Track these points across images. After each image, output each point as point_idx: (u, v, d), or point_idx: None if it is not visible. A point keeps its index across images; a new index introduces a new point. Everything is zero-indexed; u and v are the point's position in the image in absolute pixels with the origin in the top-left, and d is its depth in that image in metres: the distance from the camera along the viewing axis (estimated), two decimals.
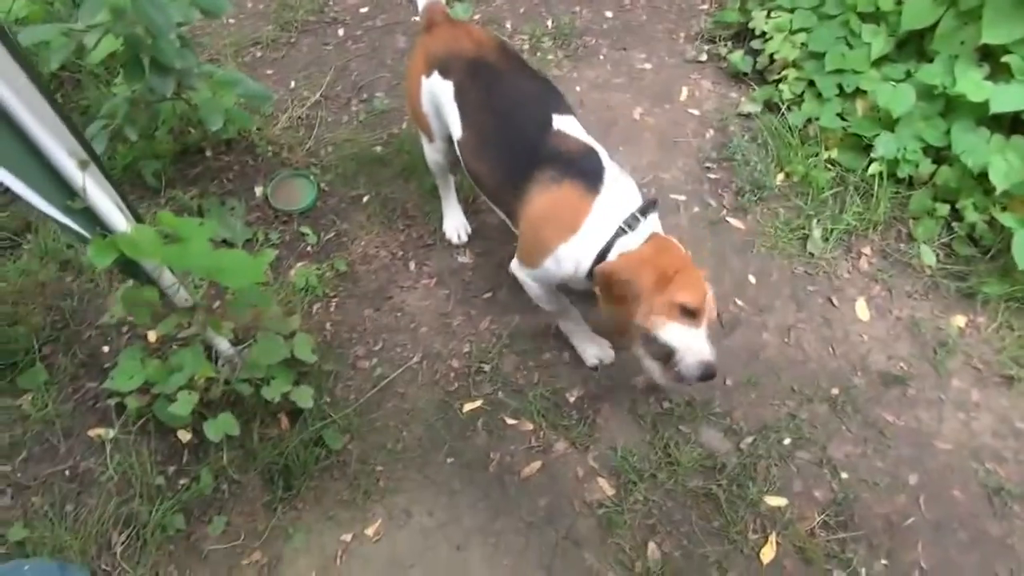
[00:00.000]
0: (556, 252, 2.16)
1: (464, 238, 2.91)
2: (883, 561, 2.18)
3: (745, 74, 3.39)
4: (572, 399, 2.51)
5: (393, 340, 2.69)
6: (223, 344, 2.39)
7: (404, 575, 2.19)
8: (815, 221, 2.86)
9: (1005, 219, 2.58)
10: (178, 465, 2.42)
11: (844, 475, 2.32)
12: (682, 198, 3.02)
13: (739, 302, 2.70)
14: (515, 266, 2.38)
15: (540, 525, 2.27)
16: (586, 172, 2.12)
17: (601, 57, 3.62)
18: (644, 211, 2.11)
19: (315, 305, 2.78)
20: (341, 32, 3.87)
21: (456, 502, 2.33)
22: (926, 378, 2.51)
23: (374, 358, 2.64)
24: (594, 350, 2.55)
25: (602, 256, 2.10)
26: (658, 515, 2.27)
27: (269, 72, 3.68)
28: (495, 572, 2.19)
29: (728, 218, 2.94)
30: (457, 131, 2.35)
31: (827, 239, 2.82)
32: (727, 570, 2.17)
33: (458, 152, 2.41)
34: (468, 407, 2.51)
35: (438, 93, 2.39)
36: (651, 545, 2.22)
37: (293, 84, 3.61)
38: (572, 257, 2.15)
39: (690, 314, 1.99)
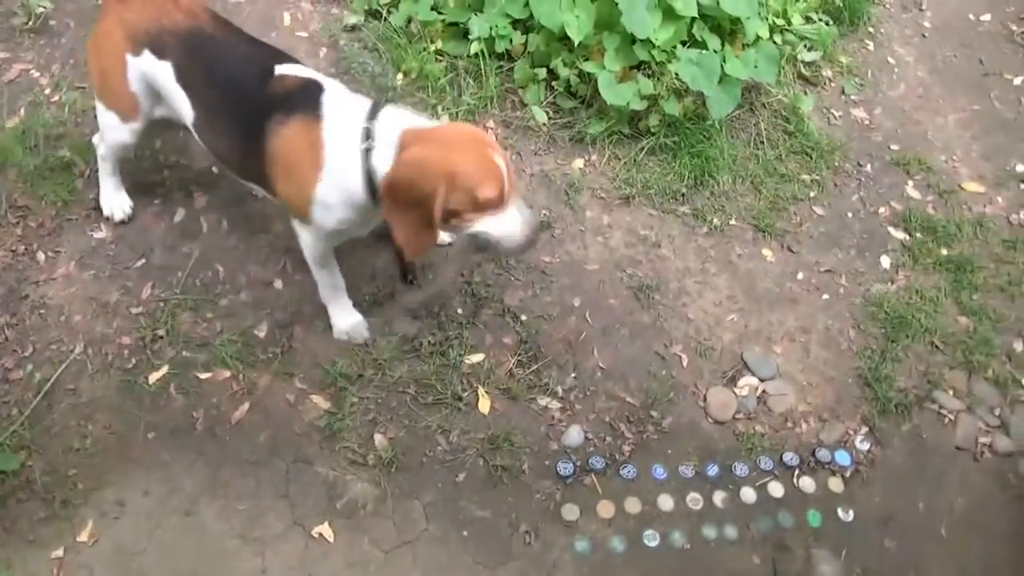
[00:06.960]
0: (316, 197, 2.04)
1: (126, 212, 2.64)
2: (572, 375, 2.51)
3: None
4: (262, 334, 2.47)
5: (45, 339, 2.40)
6: None
7: (137, 562, 2.06)
8: (440, 109, 3.05)
9: (588, 67, 2.98)
10: None
11: (523, 317, 2.60)
12: None
13: None
14: (296, 227, 2.25)
15: (266, 460, 2.25)
16: (306, 103, 2.03)
17: None
18: (372, 116, 2.00)
19: None
20: None
21: (171, 473, 2.21)
22: (566, 217, 2.87)
23: (28, 364, 2.35)
24: (347, 326, 2.45)
25: (371, 179, 1.97)
26: (376, 408, 2.37)
27: None
28: (234, 519, 2.14)
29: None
30: (188, 115, 2.20)
31: None
32: (450, 431, 2.35)
33: (195, 136, 2.28)
34: (154, 377, 2.35)
35: (154, 75, 2.19)
36: (377, 436, 2.32)
37: None
38: (337, 194, 2.03)
39: (494, 201, 1.94)
